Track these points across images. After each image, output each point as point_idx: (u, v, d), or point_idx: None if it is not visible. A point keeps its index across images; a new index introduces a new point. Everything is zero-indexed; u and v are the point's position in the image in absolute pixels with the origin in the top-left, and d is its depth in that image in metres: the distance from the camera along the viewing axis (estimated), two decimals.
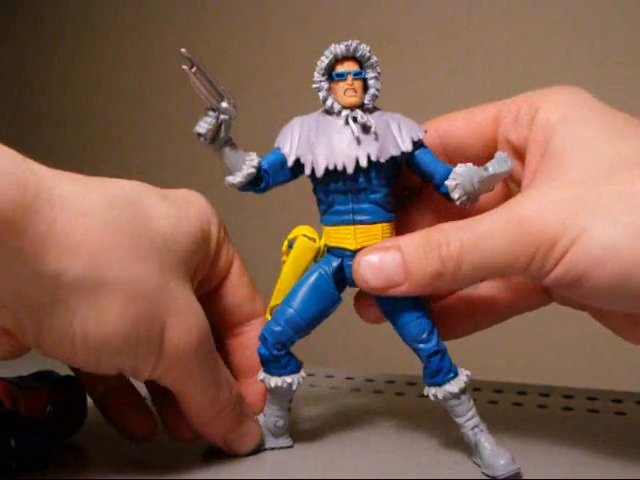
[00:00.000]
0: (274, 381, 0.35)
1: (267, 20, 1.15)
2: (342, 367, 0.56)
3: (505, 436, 0.36)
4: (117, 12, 1.33)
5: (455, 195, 0.34)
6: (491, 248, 0.31)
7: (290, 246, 0.37)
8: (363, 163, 0.33)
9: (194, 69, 0.32)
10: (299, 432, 0.39)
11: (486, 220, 0.31)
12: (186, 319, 0.32)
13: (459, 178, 0.34)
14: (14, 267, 0.28)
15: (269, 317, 0.37)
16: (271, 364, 0.35)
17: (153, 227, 0.32)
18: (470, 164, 0.34)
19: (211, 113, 0.33)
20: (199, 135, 0.33)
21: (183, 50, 0.32)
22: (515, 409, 0.44)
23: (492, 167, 0.34)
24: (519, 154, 0.35)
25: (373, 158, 0.33)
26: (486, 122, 0.36)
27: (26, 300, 0.29)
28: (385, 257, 0.32)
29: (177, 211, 0.34)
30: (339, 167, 0.33)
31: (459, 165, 0.34)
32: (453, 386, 0.34)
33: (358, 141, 0.33)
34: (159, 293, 0.31)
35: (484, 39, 0.94)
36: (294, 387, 0.36)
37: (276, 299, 0.37)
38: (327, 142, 0.34)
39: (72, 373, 0.37)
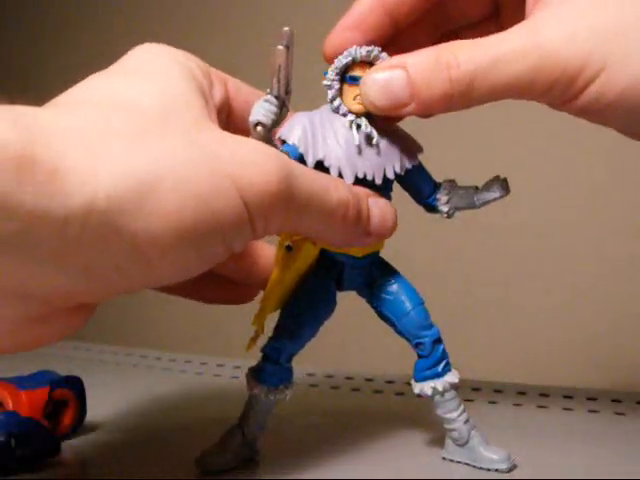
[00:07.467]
0: (269, 392, 0.34)
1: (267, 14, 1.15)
2: (342, 367, 0.56)
3: (505, 436, 0.36)
4: (113, 8, 1.34)
5: (444, 209, 0.34)
6: (507, 74, 0.29)
7: (289, 249, 0.34)
8: (390, 175, 0.33)
9: (287, 52, 0.30)
10: (299, 432, 0.39)
11: (505, 43, 0.29)
12: (251, 159, 0.27)
13: (451, 193, 0.34)
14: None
15: (256, 324, 0.34)
16: (272, 377, 0.34)
17: (142, 107, 0.27)
18: (454, 181, 0.34)
19: (274, 101, 0.31)
20: (259, 123, 0.30)
21: (286, 29, 0.29)
22: (515, 409, 0.44)
23: (495, 191, 0.33)
24: None
25: (397, 170, 0.33)
26: None
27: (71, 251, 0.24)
28: (391, 76, 0.31)
29: (144, 82, 0.29)
30: (369, 177, 0.32)
31: (445, 181, 0.34)
32: (452, 377, 0.34)
33: (378, 151, 0.33)
34: (198, 151, 0.26)
35: None
36: (287, 397, 0.34)
37: (270, 306, 0.34)
38: (348, 148, 0.32)
39: (74, 374, 0.37)
